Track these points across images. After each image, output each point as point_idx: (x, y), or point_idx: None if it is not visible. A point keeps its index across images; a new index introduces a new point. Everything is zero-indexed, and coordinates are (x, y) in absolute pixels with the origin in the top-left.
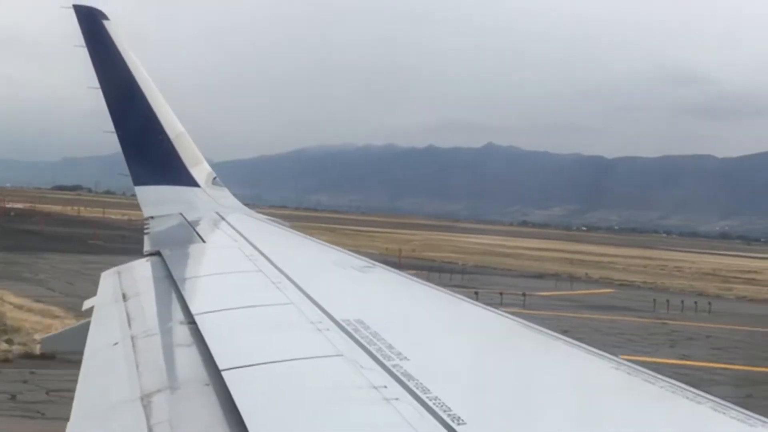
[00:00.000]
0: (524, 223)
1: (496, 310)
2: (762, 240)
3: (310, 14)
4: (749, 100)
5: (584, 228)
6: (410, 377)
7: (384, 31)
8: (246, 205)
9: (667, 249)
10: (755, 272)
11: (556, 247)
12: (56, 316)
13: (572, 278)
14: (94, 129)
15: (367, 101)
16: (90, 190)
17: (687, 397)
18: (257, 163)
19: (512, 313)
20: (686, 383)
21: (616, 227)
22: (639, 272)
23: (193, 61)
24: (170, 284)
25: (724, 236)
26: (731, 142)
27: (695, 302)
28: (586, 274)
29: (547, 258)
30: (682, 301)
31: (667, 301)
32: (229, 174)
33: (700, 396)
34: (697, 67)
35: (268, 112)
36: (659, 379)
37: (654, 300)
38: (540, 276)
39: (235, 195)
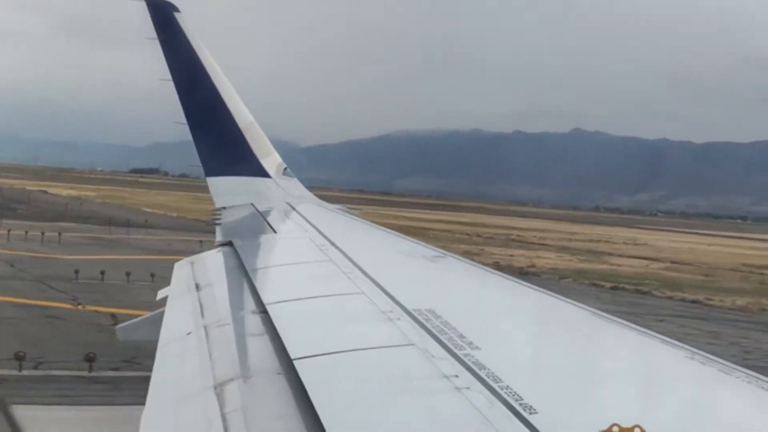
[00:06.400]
0: (597, 209)
1: (569, 300)
2: None
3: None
4: None
5: (657, 213)
6: (481, 366)
7: (473, 20)
8: (310, 188)
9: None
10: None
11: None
12: None
13: None
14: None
15: (454, 87)
16: (166, 174)
17: (763, 387)
18: (343, 147)
19: None
20: None
21: (690, 212)
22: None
23: (282, 47)
24: (242, 274)
25: None
26: None
27: None
28: None
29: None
30: None
31: None
32: (316, 158)
33: None
34: None
35: (354, 97)
36: (734, 369)
37: None
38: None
39: (322, 179)
